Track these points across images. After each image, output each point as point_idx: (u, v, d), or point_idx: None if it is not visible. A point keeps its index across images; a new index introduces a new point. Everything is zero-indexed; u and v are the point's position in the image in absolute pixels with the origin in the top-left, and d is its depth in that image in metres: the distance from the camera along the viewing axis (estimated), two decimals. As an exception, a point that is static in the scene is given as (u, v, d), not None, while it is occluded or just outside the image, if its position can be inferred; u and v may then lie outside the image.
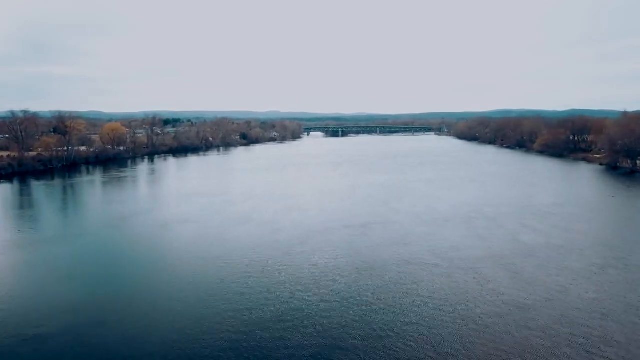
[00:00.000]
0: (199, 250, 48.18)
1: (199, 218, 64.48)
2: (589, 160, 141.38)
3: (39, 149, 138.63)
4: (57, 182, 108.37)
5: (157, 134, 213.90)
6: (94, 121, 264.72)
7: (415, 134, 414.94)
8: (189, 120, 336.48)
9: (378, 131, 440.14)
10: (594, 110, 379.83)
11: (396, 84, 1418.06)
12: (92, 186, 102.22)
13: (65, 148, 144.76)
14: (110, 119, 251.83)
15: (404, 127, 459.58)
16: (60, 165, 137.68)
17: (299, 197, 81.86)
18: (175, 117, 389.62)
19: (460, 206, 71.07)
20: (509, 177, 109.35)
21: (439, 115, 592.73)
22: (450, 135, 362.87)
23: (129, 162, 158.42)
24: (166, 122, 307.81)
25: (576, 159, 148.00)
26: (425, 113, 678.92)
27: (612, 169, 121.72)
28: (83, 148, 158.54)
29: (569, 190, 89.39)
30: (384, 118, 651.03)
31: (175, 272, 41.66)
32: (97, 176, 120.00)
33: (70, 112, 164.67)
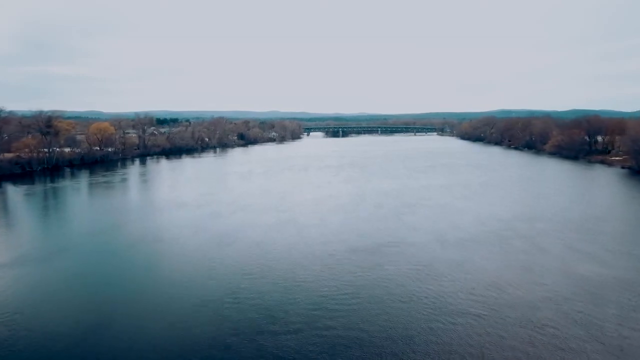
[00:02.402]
0: (164, 284, 37.56)
1: (175, 236, 53.82)
2: (608, 163, 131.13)
3: (18, 151, 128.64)
4: (31, 187, 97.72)
5: (153, 134, 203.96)
6: (92, 121, 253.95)
7: (417, 134, 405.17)
8: (187, 120, 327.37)
9: (379, 131, 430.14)
10: (596, 110, 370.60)
11: (397, 83, 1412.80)
12: (66, 192, 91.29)
13: (47, 149, 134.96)
14: (108, 119, 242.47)
15: (406, 127, 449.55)
16: (40, 168, 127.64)
17: (297, 208, 71.00)
18: (175, 117, 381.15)
19: (487, 220, 60.43)
20: (529, 182, 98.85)
21: (440, 115, 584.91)
22: (453, 136, 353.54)
23: (118, 164, 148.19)
24: (163, 121, 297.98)
25: (592, 162, 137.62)
26: (426, 113, 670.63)
27: (637, 172, 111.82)
28: (68, 149, 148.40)
29: (601, 199, 78.85)
30: (385, 118, 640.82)
31: (128, 314, 31.11)
32: (78, 180, 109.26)
33: (54, 111, 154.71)
